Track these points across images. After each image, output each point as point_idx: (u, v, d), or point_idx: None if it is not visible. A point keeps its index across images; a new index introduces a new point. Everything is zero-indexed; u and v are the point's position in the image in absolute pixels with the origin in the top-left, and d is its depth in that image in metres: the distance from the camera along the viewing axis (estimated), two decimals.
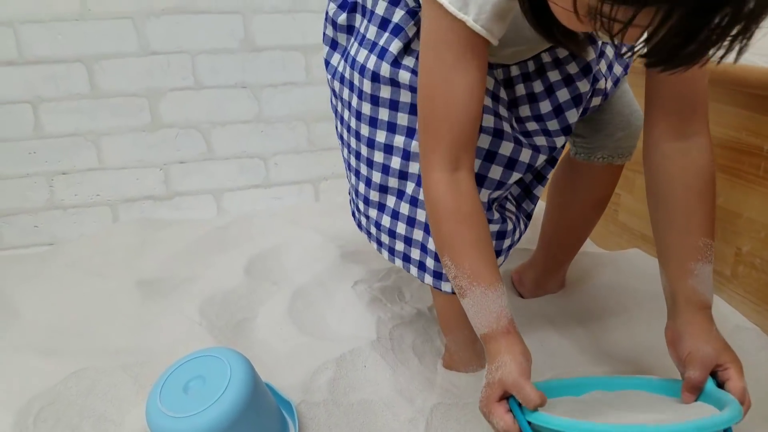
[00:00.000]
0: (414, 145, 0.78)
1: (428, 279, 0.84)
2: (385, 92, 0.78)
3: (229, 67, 1.46)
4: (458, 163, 0.67)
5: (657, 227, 0.71)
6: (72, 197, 1.46)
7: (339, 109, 0.89)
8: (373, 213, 0.87)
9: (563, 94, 0.79)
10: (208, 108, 1.48)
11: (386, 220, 0.85)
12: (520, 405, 0.61)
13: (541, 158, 0.82)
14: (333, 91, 0.89)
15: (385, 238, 0.88)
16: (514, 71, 0.81)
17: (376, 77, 0.76)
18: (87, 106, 1.40)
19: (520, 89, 0.81)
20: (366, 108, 0.80)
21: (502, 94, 0.80)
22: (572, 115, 0.80)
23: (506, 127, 0.78)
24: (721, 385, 0.65)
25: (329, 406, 0.86)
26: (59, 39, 1.34)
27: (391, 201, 0.84)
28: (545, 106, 0.80)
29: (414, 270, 0.86)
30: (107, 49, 1.37)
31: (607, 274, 1.19)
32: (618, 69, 0.87)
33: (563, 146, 0.84)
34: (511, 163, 0.78)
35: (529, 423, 0.60)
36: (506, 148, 0.78)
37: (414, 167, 0.79)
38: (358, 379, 0.93)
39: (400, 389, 0.92)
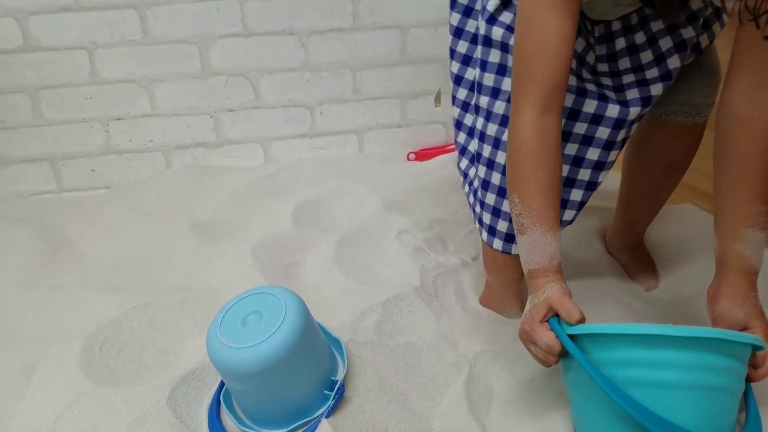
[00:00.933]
0: (497, 106, 0.82)
1: (483, 234, 0.90)
2: (479, 52, 0.82)
3: (276, 12, 1.45)
4: (547, 105, 0.69)
5: (717, 187, 0.72)
6: (126, 143, 1.51)
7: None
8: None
9: (666, 42, 0.80)
10: (255, 55, 1.48)
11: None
12: (559, 323, 0.66)
13: (633, 112, 0.80)
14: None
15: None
16: (616, 26, 0.82)
17: (476, 38, 0.83)
18: (139, 53, 1.42)
19: (621, 42, 0.82)
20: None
21: (590, 57, 0.82)
22: (674, 61, 0.80)
23: (589, 86, 0.80)
24: None
25: (376, 346, 0.89)
26: None
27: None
28: (646, 56, 0.81)
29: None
30: None
31: (659, 228, 1.17)
32: (717, 27, 0.84)
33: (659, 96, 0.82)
34: (596, 119, 0.80)
35: (570, 336, 0.64)
36: (590, 106, 0.79)
37: (492, 129, 0.83)
38: (403, 322, 0.96)
39: (443, 334, 0.94)
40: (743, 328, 0.67)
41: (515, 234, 0.73)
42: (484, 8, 0.82)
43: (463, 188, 0.99)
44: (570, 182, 0.86)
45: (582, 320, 0.65)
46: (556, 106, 0.70)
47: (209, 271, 1.12)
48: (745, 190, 0.68)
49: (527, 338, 0.68)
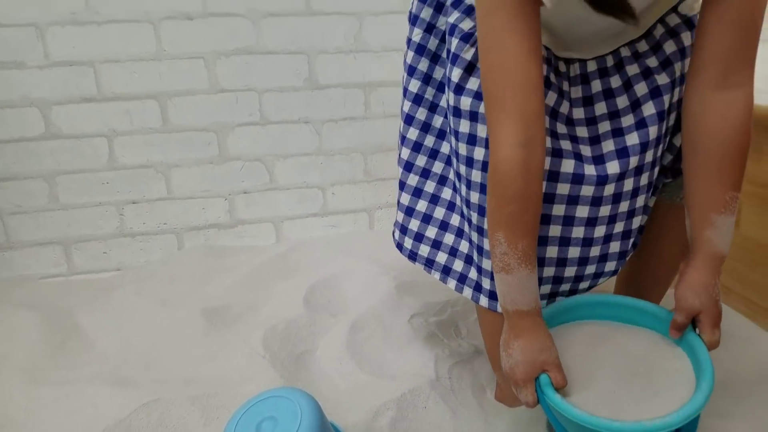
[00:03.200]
0: (473, 174, 0.80)
1: (483, 300, 0.87)
2: (451, 122, 0.82)
3: (293, 103, 1.51)
4: (528, 137, 0.66)
5: (688, 173, 0.72)
6: (140, 225, 1.52)
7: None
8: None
9: (641, 88, 0.77)
10: (272, 142, 1.53)
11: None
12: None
13: (611, 167, 0.77)
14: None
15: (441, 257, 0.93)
16: (591, 66, 0.80)
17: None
18: (158, 140, 1.47)
19: (596, 85, 0.80)
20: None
21: (563, 108, 0.79)
22: (648, 108, 0.77)
23: (565, 145, 0.78)
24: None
25: None
26: (135, 77, 1.41)
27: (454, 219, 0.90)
28: (622, 101, 0.79)
29: (468, 291, 0.90)
30: (179, 86, 1.44)
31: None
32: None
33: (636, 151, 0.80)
34: (577, 179, 0.78)
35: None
36: (568, 166, 0.76)
37: (474, 196, 0.82)
38: (419, 420, 0.93)
39: None
40: (698, 315, 0.71)
41: (497, 272, 0.71)
42: (449, 79, 0.80)
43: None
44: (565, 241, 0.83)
45: (564, 385, 0.70)
46: (537, 137, 0.66)
47: (220, 362, 1.10)
48: (719, 177, 0.69)
49: (513, 383, 0.73)
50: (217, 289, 1.39)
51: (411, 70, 0.90)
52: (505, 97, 0.65)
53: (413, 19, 0.89)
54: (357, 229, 1.66)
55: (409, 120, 0.92)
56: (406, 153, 0.94)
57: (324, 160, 1.58)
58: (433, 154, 0.92)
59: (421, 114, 0.91)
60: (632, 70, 0.78)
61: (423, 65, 0.89)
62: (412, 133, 0.92)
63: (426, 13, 0.87)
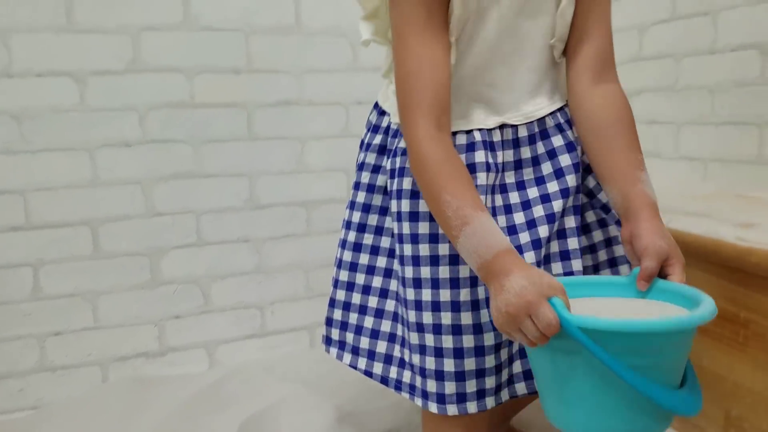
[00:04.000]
0: (407, 271, 0.85)
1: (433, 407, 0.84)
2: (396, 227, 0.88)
3: (232, 224, 1.52)
4: (440, 125, 0.75)
5: (597, 153, 0.80)
6: (63, 358, 1.43)
7: None
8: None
9: (565, 159, 0.85)
10: (208, 263, 1.52)
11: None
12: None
13: (542, 230, 0.82)
14: None
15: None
16: (522, 132, 0.86)
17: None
18: (88, 267, 1.42)
19: (526, 152, 0.87)
20: None
21: (498, 179, 0.86)
22: (572, 180, 0.84)
23: (500, 220, 0.85)
24: (664, 278, 0.72)
25: None
26: (67, 205, 1.39)
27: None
28: (547, 168, 0.86)
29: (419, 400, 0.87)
30: (114, 212, 1.42)
31: None
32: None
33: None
34: (511, 230, 0.84)
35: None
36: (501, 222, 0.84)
37: (410, 293, 0.85)
38: None
39: None
40: (666, 258, 0.71)
41: (459, 233, 0.69)
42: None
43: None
44: None
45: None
46: (446, 127, 0.76)
47: None
48: (627, 145, 0.79)
49: (524, 312, 0.63)
50: (143, 427, 1.30)
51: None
52: (418, 96, 0.75)
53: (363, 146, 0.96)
54: (297, 349, 1.63)
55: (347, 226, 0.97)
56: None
57: (263, 279, 1.57)
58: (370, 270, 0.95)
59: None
60: (557, 141, 0.86)
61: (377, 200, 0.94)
62: (351, 236, 0.96)
63: (370, 158, 0.93)
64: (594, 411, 0.65)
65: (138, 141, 1.43)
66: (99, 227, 1.42)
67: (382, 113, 0.93)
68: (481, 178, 0.82)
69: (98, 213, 1.41)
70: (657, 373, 0.63)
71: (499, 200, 0.86)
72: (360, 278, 0.94)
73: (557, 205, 0.84)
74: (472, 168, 0.82)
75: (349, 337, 0.96)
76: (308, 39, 1.53)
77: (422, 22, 0.75)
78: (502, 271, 0.65)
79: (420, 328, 0.84)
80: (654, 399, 0.62)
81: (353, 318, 0.95)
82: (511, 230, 0.85)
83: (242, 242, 1.54)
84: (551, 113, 0.87)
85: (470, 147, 0.84)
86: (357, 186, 0.94)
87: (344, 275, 0.96)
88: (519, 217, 0.85)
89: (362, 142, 0.97)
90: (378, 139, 0.92)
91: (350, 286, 0.95)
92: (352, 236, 0.94)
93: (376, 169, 0.92)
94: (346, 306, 0.95)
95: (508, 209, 0.86)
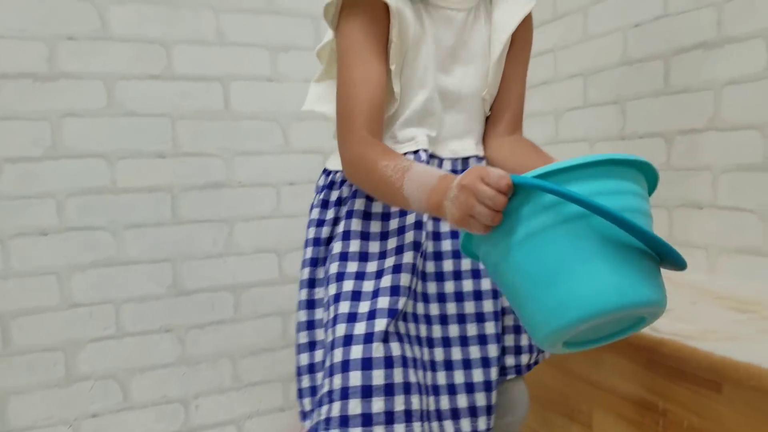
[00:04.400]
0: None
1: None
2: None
3: (154, 312, 1.46)
4: (373, 135, 0.80)
5: (519, 161, 0.89)
6: None
7: None
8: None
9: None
10: (128, 355, 1.44)
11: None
12: None
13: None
14: None
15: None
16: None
17: None
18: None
19: (448, 265, 0.89)
20: None
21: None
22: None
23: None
24: None
25: None
26: None
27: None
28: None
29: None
30: (26, 304, 1.35)
31: None
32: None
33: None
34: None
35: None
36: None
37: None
38: None
39: None
40: None
41: (402, 181, 0.73)
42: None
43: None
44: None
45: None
46: (379, 137, 0.81)
47: None
48: (539, 153, 0.89)
49: (471, 192, 0.61)
50: None
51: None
52: (354, 112, 0.80)
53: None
54: None
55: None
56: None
57: (187, 371, 1.50)
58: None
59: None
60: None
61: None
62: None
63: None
64: (585, 276, 0.58)
65: (55, 229, 1.38)
66: (10, 321, 1.34)
67: (328, 174, 0.95)
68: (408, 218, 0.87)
69: (10, 306, 1.33)
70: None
71: (430, 246, 0.89)
72: (320, 334, 0.91)
73: None
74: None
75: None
76: (238, 123, 1.54)
77: (360, 46, 0.81)
78: (447, 182, 0.67)
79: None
80: (636, 227, 0.56)
81: (320, 378, 0.89)
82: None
83: (164, 332, 1.48)
84: (476, 156, 0.93)
85: None
86: (306, 243, 0.95)
87: (303, 337, 0.92)
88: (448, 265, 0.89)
89: (311, 205, 0.98)
90: (323, 195, 0.94)
91: (311, 346, 0.91)
92: (304, 294, 0.92)
93: (320, 223, 0.93)
94: (311, 368, 0.90)
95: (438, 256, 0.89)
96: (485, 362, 0.88)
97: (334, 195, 0.92)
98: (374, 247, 0.87)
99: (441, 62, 0.87)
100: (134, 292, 1.44)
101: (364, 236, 0.87)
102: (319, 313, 0.91)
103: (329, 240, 0.92)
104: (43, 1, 1.34)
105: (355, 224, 0.87)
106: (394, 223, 0.87)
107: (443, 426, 0.85)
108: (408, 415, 0.78)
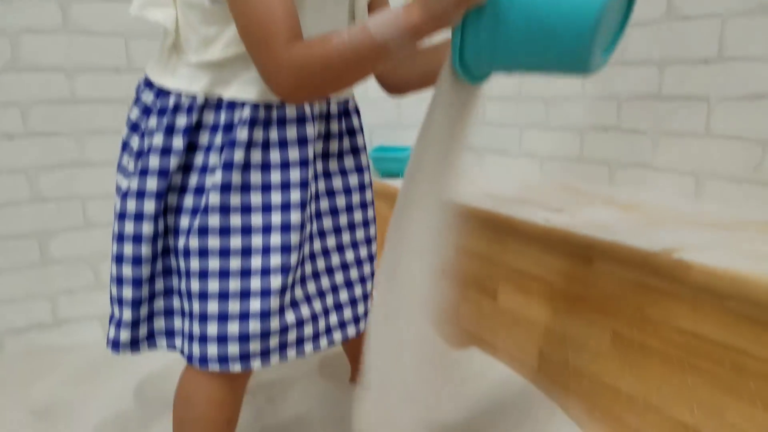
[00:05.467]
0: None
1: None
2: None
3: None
4: (296, 33, 0.70)
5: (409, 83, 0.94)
6: None
7: None
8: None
9: (360, 139, 0.96)
10: (95, 243, 1.64)
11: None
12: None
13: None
14: None
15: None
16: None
17: None
18: None
19: (334, 125, 0.91)
20: None
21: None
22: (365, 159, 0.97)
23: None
24: None
25: None
26: None
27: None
28: (346, 143, 0.95)
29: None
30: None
31: None
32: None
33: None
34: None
35: None
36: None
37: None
38: None
39: None
40: None
41: (366, 36, 0.66)
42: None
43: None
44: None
45: None
46: (300, 35, 0.71)
47: None
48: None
49: None
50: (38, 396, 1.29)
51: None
52: (276, 25, 0.69)
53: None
54: None
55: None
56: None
57: None
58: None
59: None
60: (355, 122, 0.95)
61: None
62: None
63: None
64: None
65: (21, 134, 1.53)
66: None
67: (166, 94, 0.83)
68: (310, 149, 0.84)
69: None
70: None
71: (321, 185, 0.92)
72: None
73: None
74: (303, 140, 0.83)
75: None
76: None
77: None
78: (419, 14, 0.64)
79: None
80: None
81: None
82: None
83: None
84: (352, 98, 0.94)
85: (301, 120, 0.84)
86: (143, 171, 0.82)
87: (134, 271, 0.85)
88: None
89: (134, 124, 0.87)
90: (167, 119, 0.81)
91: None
92: (147, 228, 0.84)
93: (166, 152, 0.82)
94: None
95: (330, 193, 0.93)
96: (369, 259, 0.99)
97: (181, 121, 0.81)
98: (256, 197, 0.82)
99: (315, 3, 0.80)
100: (98, 190, 1.65)
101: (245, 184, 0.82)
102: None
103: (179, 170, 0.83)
104: None
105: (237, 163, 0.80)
106: (276, 176, 0.83)
107: (329, 320, 0.92)
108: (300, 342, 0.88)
